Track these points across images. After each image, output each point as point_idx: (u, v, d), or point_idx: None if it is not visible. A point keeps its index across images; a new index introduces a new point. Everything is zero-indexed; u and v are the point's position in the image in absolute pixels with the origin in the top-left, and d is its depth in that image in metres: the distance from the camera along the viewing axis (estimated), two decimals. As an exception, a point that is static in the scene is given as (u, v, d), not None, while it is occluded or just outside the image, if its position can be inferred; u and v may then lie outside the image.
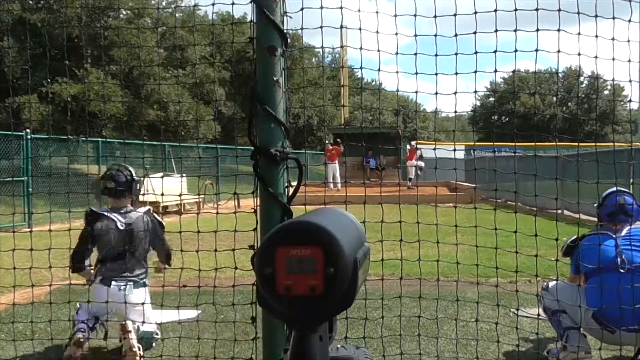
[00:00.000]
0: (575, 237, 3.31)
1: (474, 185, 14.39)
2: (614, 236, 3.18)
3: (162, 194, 10.57)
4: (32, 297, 3.65)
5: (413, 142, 20.39)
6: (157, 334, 3.51)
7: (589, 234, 3.34)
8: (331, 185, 17.04)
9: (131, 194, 3.76)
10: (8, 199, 10.94)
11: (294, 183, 1.75)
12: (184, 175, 13.32)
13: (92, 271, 3.61)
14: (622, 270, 3.02)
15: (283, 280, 0.76)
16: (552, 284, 3.38)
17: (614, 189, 3.35)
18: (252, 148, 1.74)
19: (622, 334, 2.96)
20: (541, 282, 3.49)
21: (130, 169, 3.83)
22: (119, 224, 3.61)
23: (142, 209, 3.76)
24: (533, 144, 14.52)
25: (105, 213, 3.65)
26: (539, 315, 3.16)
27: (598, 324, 3.03)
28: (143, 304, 3.32)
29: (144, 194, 10.23)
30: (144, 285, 3.59)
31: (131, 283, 3.48)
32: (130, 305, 3.32)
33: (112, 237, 3.56)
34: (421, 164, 18.41)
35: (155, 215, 3.83)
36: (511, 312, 4.23)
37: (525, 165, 11.21)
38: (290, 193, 1.78)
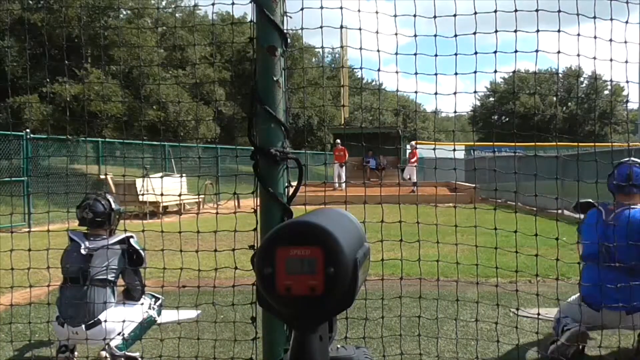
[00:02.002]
0: (586, 200, 3.30)
1: (474, 185, 14.39)
2: (603, 219, 3.21)
3: (162, 194, 10.58)
4: (30, 297, 3.64)
5: (413, 143, 20.37)
6: (124, 337, 3.41)
7: (595, 205, 3.33)
8: (336, 184, 17.05)
9: (109, 225, 3.58)
10: (7, 199, 10.93)
11: (294, 183, 1.75)
12: (184, 175, 13.32)
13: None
14: (604, 263, 3.07)
15: (283, 280, 0.76)
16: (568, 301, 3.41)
17: (627, 159, 3.34)
18: (252, 148, 1.74)
19: (608, 313, 3.02)
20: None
21: (110, 198, 3.63)
22: (81, 248, 3.43)
23: (120, 236, 3.53)
24: (533, 144, 14.51)
25: (74, 237, 3.51)
26: (539, 315, 3.16)
27: (588, 307, 3.10)
28: (104, 339, 3.26)
29: (143, 194, 10.29)
30: (99, 321, 3.32)
31: (83, 326, 3.27)
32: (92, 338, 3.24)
33: (72, 261, 3.40)
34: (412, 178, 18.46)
35: (136, 245, 3.52)
36: (511, 312, 4.23)
37: (525, 165, 11.21)
38: (290, 193, 1.78)
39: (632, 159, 3.34)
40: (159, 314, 3.63)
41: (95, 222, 3.53)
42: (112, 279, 3.43)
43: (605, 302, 3.02)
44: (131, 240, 3.53)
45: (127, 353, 3.39)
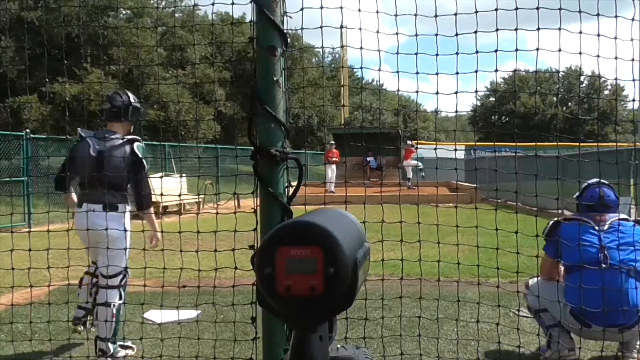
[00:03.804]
0: (556, 219, 3.32)
1: (475, 185, 14.38)
2: (596, 228, 3.21)
3: (162, 194, 10.56)
4: (30, 297, 3.64)
5: (409, 142, 20.42)
6: (125, 276, 3.53)
7: (571, 219, 3.35)
8: (328, 185, 17.05)
9: (127, 118, 3.61)
10: (7, 199, 10.93)
11: (294, 183, 1.75)
12: (184, 175, 13.31)
13: (75, 199, 3.56)
14: (604, 265, 3.05)
15: (283, 280, 0.76)
16: (532, 281, 3.41)
17: (594, 180, 3.37)
18: (252, 148, 1.73)
19: (599, 329, 3.00)
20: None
21: (130, 94, 3.70)
22: (91, 149, 3.48)
23: (128, 137, 3.57)
24: (533, 143, 14.51)
25: (86, 137, 3.55)
26: (539, 315, 3.16)
27: (576, 320, 3.06)
28: (125, 230, 3.35)
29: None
30: (117, 209, 3.44)
31: (101, 205, 3.37)
32: (106, 233, 3.28)
33: (84, 163, 3.46)
34: (419, 164, 18.45)
35: (137, 148, 3.54)
36: (511, 313, 4.23)
37: (526, 165, 11.20)
38: (290, 193, 1.78)
39: (600, 180, 3.37)
40: (124, 291, 3.61)
41: (111, 113, 3.56)
42: (128, 179, 3.50)
43: (599, 320, 3.00)
44: (135, 144, 3.53)
45: (120, 344, 3.54)
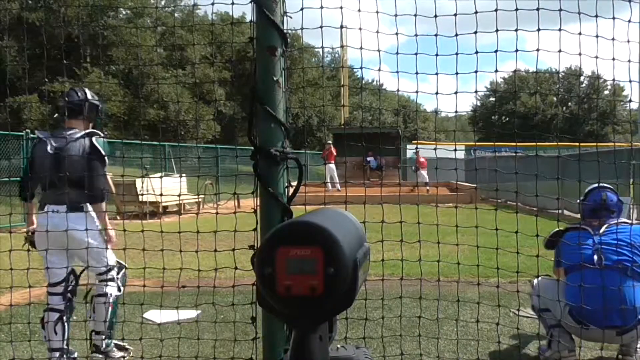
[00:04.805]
0: (556, 229, 3.34)
1: (475, 185, 14.39)
2: (592, 233, 3.24)
3: (162, 194, 10.57)
4: (29, 298, 3.63)
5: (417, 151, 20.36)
6: (119, 270, 3.47)
7: (570, 228, 3.37)
8: (329, 185, 17.02)
9: (82, 116, 3.46)
10: (7, 199, 10.92)
11: (294, 183, 1.75)
12: (184, 175, 13.31)
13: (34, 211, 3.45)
14: (597, 267, 3.06)
15: (283, 280, 0.76)
16: (536, 281, 3.42)
17: (597, 184, 3.38)
18: (252, 148, 1.73)
19: (596, 330, 3.01)
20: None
21: (88, 91, 3.55)
22: (48, 148, 3.32)
23: (86, 131, 3.43)
24: (533, 144, 14.52)
25: (42, 137, 3.41)
26: (540, 315, 3.16)
27: (574, 321, 3.06)
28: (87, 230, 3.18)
29: (143, 194, 10.29)
30: (82, 209, 3.30)
31: (65, 206, 3.21)
32: (73, 235, 3.14)
33: (42, 163, 3.32)
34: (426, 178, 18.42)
35: (97, 142, 3.38)
36: (511, 312, 4.22)
37: (526, 165, 11.20)
38: (290, 193, 1.78)
39: (602, 184, 3.38)
40: (123, 284, 3.55)
41: (67, 110, 3.41)
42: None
43: (596, 321, 3.01)
44: (94, 137, 3.40)
45: (115, 342, 3.53)
